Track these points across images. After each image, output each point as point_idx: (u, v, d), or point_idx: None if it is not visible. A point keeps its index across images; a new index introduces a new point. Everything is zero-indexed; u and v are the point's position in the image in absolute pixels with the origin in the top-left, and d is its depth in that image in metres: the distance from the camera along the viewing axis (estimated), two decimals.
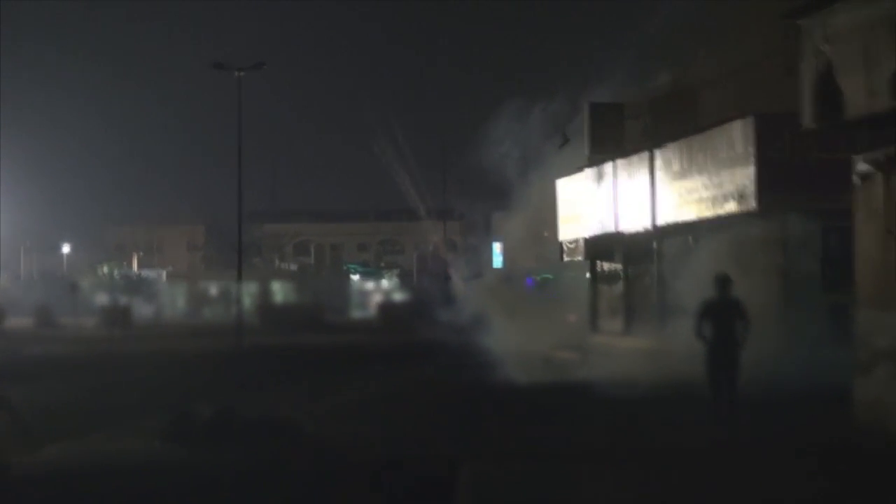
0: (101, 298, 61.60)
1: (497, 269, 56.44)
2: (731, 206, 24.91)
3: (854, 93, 14.85)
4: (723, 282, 17.10)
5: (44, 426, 17.03)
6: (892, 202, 15.33)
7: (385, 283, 68.55)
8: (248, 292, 58.59)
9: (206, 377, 27.56)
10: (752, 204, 23.84)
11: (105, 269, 69.36)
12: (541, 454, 14.57)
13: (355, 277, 70.32)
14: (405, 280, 69.12)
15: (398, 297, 64.05)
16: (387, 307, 60.23)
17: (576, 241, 35.15)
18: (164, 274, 69.86)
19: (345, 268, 71.68)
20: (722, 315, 17.11)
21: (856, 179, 16.09)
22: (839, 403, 16.34)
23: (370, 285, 69.11)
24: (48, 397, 21.96)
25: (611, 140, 32.12)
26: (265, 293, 63.14)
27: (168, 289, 67.73)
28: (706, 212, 26.26)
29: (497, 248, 61.37)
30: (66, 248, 72.86)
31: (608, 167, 31.67)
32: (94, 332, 49.84)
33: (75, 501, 12.29)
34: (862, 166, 15.86)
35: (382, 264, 75.21)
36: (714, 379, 16.93)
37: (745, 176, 23.95)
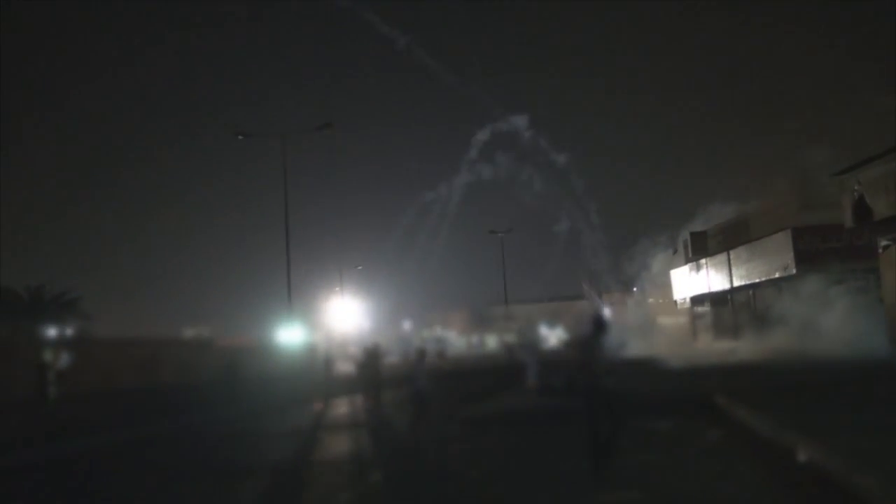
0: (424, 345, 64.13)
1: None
2: (779, 274, 24.65)
3: (879, 207, 14.83)
4: None
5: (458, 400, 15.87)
6: None
7: (559, 330, 68.32)
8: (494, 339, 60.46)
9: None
10: (793, 272, 23.59)
11: (424, 333, 71.46)
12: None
13: (544, 328, 70.28)
14: (568, 329, 68.41)
15: (565, 336, 63.95)
16: (565, 341, 60.48)
17: (685, 299, 34.83)
18: (454, 333, 71.80)
19: (538, 325, 71.44)
20: None
21: (881, 249, 15.90)
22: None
23: (550, 332, 69.15)
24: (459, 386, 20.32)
25: (700, 248, 31.91)
26: (505, 338, 64.34)
27: (456, 339, 69.45)
28: (763, 277, 25.93)
29: (607, 310, 60.24)
30: (406, 325, 73.89)
31: (703, 261, 31.45)
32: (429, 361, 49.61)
33: (505, 422, 12.08)
34: (884, 242, 15.70)
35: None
36: None
37: (788, 258, 23.69)
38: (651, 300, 38.02)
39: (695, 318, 33.96)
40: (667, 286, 35.57)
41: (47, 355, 23.21)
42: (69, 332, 28.31)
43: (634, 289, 39.72)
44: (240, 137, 25.96)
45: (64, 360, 23.47)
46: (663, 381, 18.51)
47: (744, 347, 24.91)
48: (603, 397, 7.35)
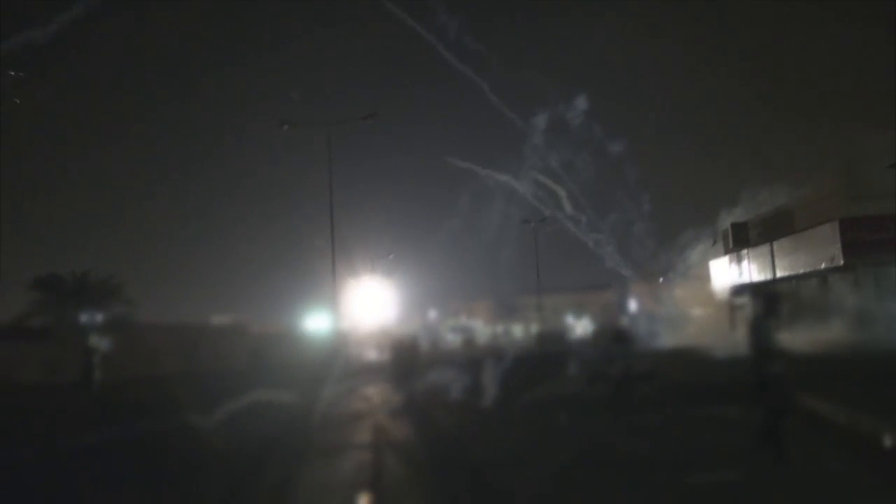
0: (453, 334, 64.37)
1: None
2: (825, 265, 24.43)
3: None
4: None
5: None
6: None
7: (585, 320, 68.04)
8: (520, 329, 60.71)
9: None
10: (840, 262, 23.38)
11: (450, 322, 71.55)
12: None
13: (570, 318, 70.10)
14: (594, 319, 68.16)
15: (591, 326, 63.82)
16: (593, 331, 60.41)
17: (724, 290, 34.57)
18: (480, 323, 71.96)
19: (564, 315, 71.24)
20: None
21: None
22: None
23: (576, 322, 68.89)
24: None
25: (741, 240, 31.70)
26: (530, 328, 64.41)
27: (482, 328, 69.73)
28: (808, 268, 25.74)
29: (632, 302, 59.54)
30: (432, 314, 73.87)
31: (744, 252, 31.26)
32: (459, 348, 49.91)
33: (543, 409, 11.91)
34: None
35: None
36: None
37: (835, 248, 23.49)
38: (679, 290, 37.32)
39: (734, 308, 33.70)
40: (703, 277, 35.28)
41: (93, 340, 23.61)
42: (111, 317, 28.89)
43: (661, 279, 38.98)
44: (285, 127, 26.13)
45: (108, 344, 23.87)
46: (711, 370, 18.38)
47: (790, 338, 24.54)
48: (778, 385, 6.83)
